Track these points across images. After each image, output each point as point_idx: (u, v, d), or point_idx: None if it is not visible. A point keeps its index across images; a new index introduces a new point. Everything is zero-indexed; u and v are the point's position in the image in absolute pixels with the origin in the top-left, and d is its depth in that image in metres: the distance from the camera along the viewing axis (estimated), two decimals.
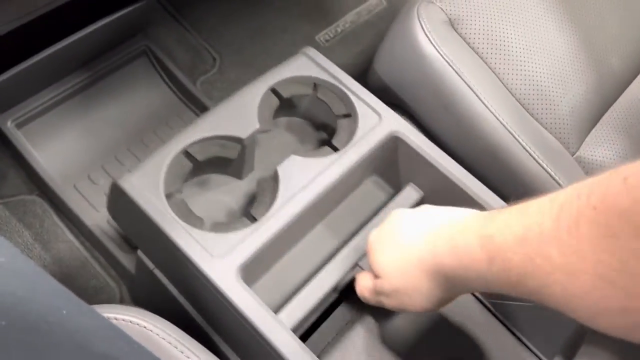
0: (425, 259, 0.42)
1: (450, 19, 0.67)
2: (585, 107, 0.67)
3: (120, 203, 0.52)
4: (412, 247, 0.43)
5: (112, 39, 0.79)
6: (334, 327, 0.56)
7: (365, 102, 0.59)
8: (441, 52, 0.65)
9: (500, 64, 0.66)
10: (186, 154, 0.54)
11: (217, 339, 0.53)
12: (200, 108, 0.85)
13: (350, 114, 0.60)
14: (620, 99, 0.71)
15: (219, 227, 0.51)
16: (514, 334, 0.59)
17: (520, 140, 0.62)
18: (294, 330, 0.48)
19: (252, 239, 0.49)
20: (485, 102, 0.63)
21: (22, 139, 0.75)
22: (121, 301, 0.73)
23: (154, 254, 0.56)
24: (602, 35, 0.71)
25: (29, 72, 0.70)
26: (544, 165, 0.62)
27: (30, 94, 0.76)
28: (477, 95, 0.63)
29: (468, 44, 0.67)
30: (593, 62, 0.69)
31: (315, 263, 0.55)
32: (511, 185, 0.63)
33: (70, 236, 0.76)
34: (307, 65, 0.61)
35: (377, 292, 0.47)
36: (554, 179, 0.62)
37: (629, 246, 0.28)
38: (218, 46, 0.94)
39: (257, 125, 0.56)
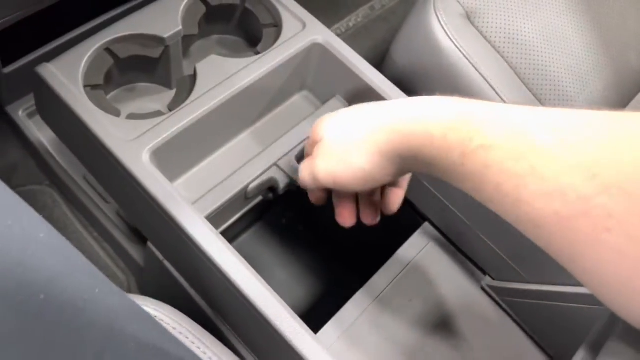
0: (381, 128, 0.40)
1: (467, 12, 0.67)
2: (602, 104, 0.66)
3: (42, 94, 0.54)
4: (370, 115, 0.41)
5: None
6: (344, 321, 0.56)
7: (291, 11, 0.61)
8: (457, 45, 0.64)
9: (517, 58, 0.65)
10: (108, 50, 0.56)
11: (226, 330, 0.53)
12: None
13: (276, 24, 0.61)
14: (639, 97, 0.70)
15: (135, 116, 0.54)
16: (527, 333, 0.58)
17: None
18: (209, 219, 0.51)
19: (164, 125, 0.52)
20: (502, 96, 0.63)
21: (33, 129, 0.75)
22: (129, 293, 0.72)
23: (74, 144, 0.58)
24: (620, 32, 0.70)
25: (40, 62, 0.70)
26: None
27: None
28: (493, 89, 0.63)
29: (485, 37, 0.66)
30: (611, 59, 0.68)
31: (238, 165, 0.57)
32: None
33: (79, 227, 0.75)
34: None
35: (315, 155, 0.45)
36: None
37: None
38: None
39: (179, 27, 0.57)
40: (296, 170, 0.56)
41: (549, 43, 0.66)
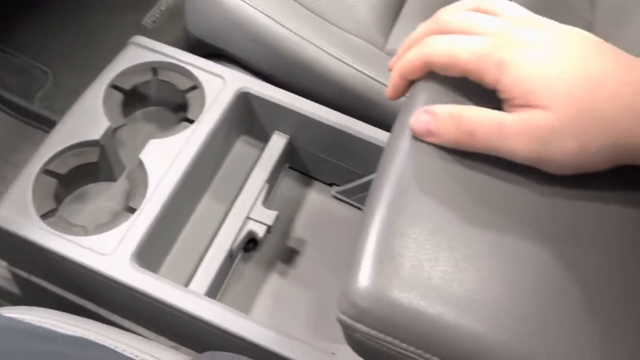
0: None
1: None
2: (382, 4, 0.70)
3: (1, 238, 0.53)
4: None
5: None
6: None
7: (205, 70, 0.62)
8: None
9: None
10: (47, 172, 0.55)
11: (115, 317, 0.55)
12: (47, 124, 0.81)
13: (195, 86, 0.62)
14: None
15: (102, 227, 0.53)
16: None
17: (328, 51, 0.64)
18: (210, 294, 0.53)
19: (135, 227, 0.52)
20: (286, 25, 0.64)
21: None
22: None
23: (49, 276, 0.57)
24: None
25: None
26: (357, 67, 0.64)
27: None
28: (275, 21, 0.64)
29: None
30: None
31: (212, 231, 0.59)
32: (337, 93, 0.66)
33: None
34: (139, 52, 0.63)
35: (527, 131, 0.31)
36: (369, 76, 0.64)
37: None
38: (46, 59, 0.89)
39: (107, 124, 0.58)
40: (269, 216, 0.58)
41: None
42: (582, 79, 0.30)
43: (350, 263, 0.31)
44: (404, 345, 0.30)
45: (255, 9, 0.64)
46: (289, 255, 0.62)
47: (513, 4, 0.36)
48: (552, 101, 0.30)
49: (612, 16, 0.78)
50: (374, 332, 0.30)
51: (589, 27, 0.81)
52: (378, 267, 0.30)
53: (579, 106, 0.30)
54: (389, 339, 0.30)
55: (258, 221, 0.58)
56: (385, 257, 0.31)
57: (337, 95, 0.65)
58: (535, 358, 0.29)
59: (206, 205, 0.61)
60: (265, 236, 0.59)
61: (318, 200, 0.67)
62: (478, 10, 0.35)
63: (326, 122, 0.61)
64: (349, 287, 0.30)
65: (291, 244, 0.63)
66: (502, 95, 0.32)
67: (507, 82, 0.31)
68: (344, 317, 0.31)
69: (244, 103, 0.62)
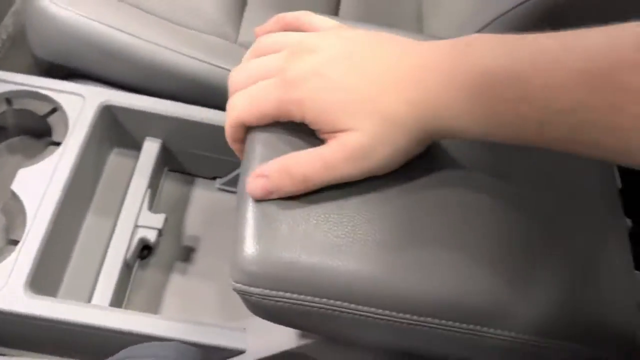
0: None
1: None
2: None
3: None
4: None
5: None
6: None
7: (61, 90, 0.62)
8: (77, 12, 0.64)
9: None
10: None
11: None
12: None
13: (55, 108, 0.63)
14: None
15: None
16: None
17: (180, 51, 0.66)
18: (115, 305, 0.54)
19: (22, 258, 0.52)
20: (134, 33, 0.64)
21: None
22: None
23: None
24: None
25: None
26: (213, 62, 0.66)
27: None
28: (122, 31, 0.64)
29: None
30: None
31: (104, 245, 0.59)
32: (200, 90, 0.67)
33: None
34: None
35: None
36: (226, 69, 0.65)
37: None
38: None
39: None
40: (157, 220, 0.60)
41: None
42: (367, 90, 0.33)
43: (235, 237, 0.34)
44: (294, 296, 0.34)
45: (98, 22, 0.64)
46: (186, 254, 0.64)
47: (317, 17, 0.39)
48: (352, 122, 0.33)
49: None
50: (267, 292, 0.33)
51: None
52: (259, 233, 0.34)
53: (374, 116, 0.33)
54: (281, 293, 0.33)
55: (147, 227, 0.60)
56: (264, 223, 0.34)
57: (201, 92, 0.67)
58: (395, 279, 0.34)
59: (92, 222, 0.62)
60: (158, 240, 0.60)
61: (204, 196, 0.69)
62: (290, 26, 0.39)
63: (194, 120, 0.63)
64: (237, 257, 0.34)
65: (186, 242, 0.65)
66: (312, 127, 0.35)
67: (310, 117, 0.34)
68: (238, 285, 0.34)
69: (109, 116, 0.63)
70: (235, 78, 0.37)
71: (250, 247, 0.33)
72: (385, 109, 0.33)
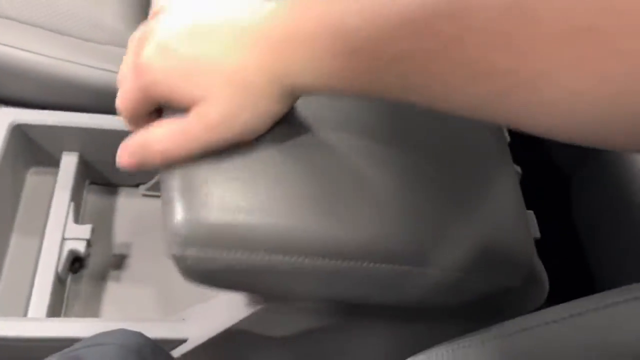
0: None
1: None
2: (126, 7, 0.73)
3: None
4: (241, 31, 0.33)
5: None
6: None
7: None
8: None
9: (29, 14, 0.67)
10: None
11: None
12: None
13: None
14: None
15: None
16: None
17: (84, 63, 0.66)
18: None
19: None
20: (35, 51, 0.65)
21: None
22: None
23: None
24: None
25: None
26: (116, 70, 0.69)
27: None
28: (27, 51, 0.64)
29: None
30: None
31: (34, 262, 0.59)
32: (109, 99, 0.64)
33: None
34: None
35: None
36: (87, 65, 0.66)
37: None
38: None
39: None
40: (84, 231, 0.60)
41: None
42: (213, 55, 0.33)
43: (165, 211, 0.36)
44: (225, 255, 0.35)
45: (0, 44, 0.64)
46: (119, 261, 0.65)
47: None
48: (206, 91, 0.33)
49: None
50: (202, 254, 0.35)
51: None
52: (188, 199, 0.35)
53: (226, 82, 0.32)
54: (212, 252, 0.35)
55: (75, 238, 0.60)
56: (192, 189, 0.35)
57: (110, 101, 0.68)
58: (323, 228, 0.37)
59: (18, 241, 0.61)
60: (88, 251, 0.61)
61: (130, 203, 0.70)
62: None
63: (109, 128, 0.64)
64: (170, 225, 0.35)
65: (117, 250, 0.66)
66: (175, 106, 0.35)
67: (169, 96, 0.34)
68: (173, 252, 0.35)
69: (21, 136, 0.63)
70: (117, 81, 0.38)
71: (180, 213, 0.35)
72: (234, 74, 0.33)
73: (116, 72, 0.67)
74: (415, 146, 0.42)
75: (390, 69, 0.29)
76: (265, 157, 0.38)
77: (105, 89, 0.68)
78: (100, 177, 0.69)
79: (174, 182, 0.36)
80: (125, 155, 0.36)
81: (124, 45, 0.72)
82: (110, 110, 0.67)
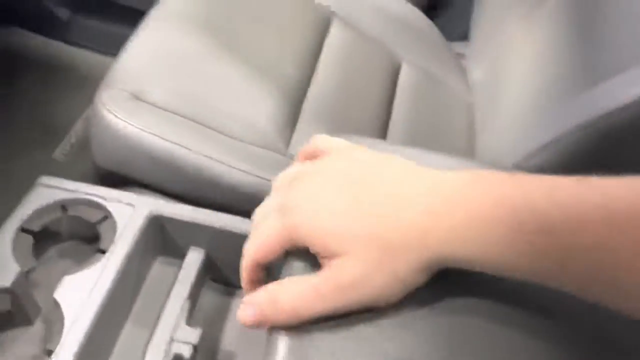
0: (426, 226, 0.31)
1: (133, 94, 0.71)
2: (279, 114, 0.75)
3: None
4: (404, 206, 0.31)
5: None
6: None
7: (114, 199, 0.63)
8: (133, 124, 0.67)
9: (192, 110, 0.71)
10: None
11: None
12: None
13: (106, 216, 0.63)
14: (307, 100, 0.80)
15: None
16: None
17: (229, 164, 0.67)
18: None
19: None
20: (188, 147, 0.67)
21: None
22: None
23: None
24: (269, 54, 0.80)
25: None
26: (261, 175, 0.68)
27: None
28: (177, 144, 0.67)
29: (159, 107, 0.70)
30: (271, 77, 0.78)
31: (139, 358, 0.57)
32: (246, 202, 0.66)
33: None
34: (46, 192, 0.63)
35: (332, 288, 0.31)
36: (271, 181, 0.66)
37: None
38: None
39: (17, 269, 0.57)
40: (193, 335, 0.58)
41: (215, 87, 0.73)
42: (364, 214, 0.31)
43: None
44: None
45: (157, 136, 0.67)
46: None
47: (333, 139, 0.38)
48: (346, 247, 0.31)
49: (488, 94, 0.86)
50: None
51: (469, 108, 0.89)
52: None
53: (370, 241, 0.31)
54: None
55: (182, 341, 0.58)
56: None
57: (246, 204, 0.67)
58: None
59: (129, 332, 0.61)
60: (193, 355, 0.58)
61: None
62: (311, 156, 0.38)
63: (240, 232, 0.63)
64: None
65: (221, 357, 0.63)
66: (313, 252, 0.33)
67: (308, 242, 0.32)
68: None
69: (156, 226, 0.64)
70: (254, 220, 0.37)
71: None
72: (384, 234, 0.31)
73: (253, 175, 0.69)
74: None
75: (580, 255, 0.27)
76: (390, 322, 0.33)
77: (241, 190, 0.68)
78: (221, 276, 0.68)
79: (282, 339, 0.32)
80: (250, 309, 0.33)
81: (268, 147, 0.75)
82: (243, 211, 0.68)
